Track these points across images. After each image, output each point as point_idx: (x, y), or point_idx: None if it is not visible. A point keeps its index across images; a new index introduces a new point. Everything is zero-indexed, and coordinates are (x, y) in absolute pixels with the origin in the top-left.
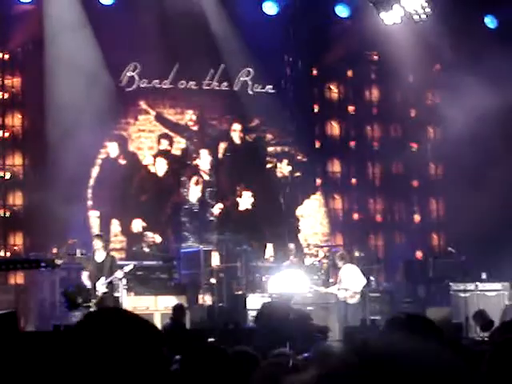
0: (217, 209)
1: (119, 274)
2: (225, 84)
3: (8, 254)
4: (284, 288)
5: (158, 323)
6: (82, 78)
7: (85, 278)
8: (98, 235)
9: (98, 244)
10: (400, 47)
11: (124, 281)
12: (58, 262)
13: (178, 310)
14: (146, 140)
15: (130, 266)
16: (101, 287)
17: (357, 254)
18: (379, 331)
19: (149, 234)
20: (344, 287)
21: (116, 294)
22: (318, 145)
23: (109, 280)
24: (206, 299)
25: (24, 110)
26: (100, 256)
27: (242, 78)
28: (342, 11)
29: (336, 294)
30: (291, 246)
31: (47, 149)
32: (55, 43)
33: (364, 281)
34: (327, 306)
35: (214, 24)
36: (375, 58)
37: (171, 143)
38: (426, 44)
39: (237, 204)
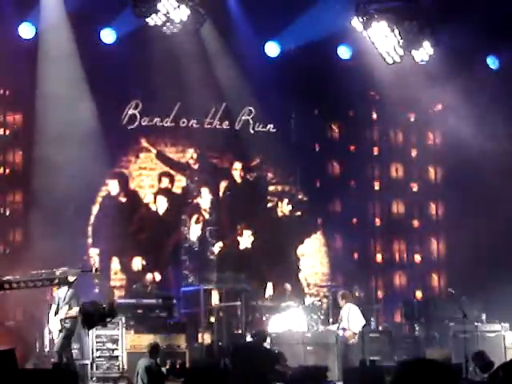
0: (217, 247)
1: (71, 312)
2: (226, 123)
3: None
4: (283, 327)
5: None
6: (83, 115)
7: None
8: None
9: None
10: (401, 87)
11: (123, 319)
12: (71, 279)
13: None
14: (147, 178)
15: (75, 309)
16: (56, 324)
17: (357, 293)
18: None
19: (148, 275)
20: (343, 327)
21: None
22: (318, 184)
23: (61, 317)
24: (205, 338)
25: (24, 147)
26: (61, 292)
27: (243, 117)
28: (344, 52)
29: (336, 332)
30: (287, 285)
31: (47, 186)
32: (52, 79)
33: (363, 321)
34: (327, 346)
35: (216, 63)
36: (377, 97)
37: (172, 181)
38: (427, 84)
39: (237, 243)
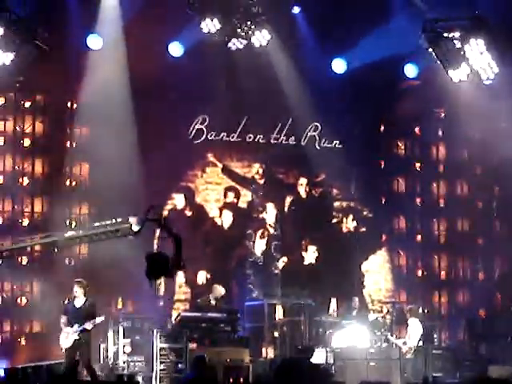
0: (281, 262)
1: (88, 325)
2: (292, 138)
3: None
4: (347, 342)
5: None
6: (151, 129)
7: (61, 322)
8: (78, 281)
9: (78, 291)
10: (467, 105)
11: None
12: (135, 228)
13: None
14: (213, 192)
15: (101, 318)
16: (72, 334)
17: (420, 310)
18: None
19: (218, 287)
20: (405, 341)
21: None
22: (383, 200)
23: (81, 328)
24: (269, 352)
25: (90, 160)
26: (78, 302)
27: (309, 133)
28: (410, 70)
29: (401, 347)
30: (355, 299)
31: (112, 199)
32: (117, 92)
33: (418, 337)
34: (390, 362)
35: (283, 79)
36: (442, 115)
37: (238, 196)
38: (492, 101)
39: (302, 258)
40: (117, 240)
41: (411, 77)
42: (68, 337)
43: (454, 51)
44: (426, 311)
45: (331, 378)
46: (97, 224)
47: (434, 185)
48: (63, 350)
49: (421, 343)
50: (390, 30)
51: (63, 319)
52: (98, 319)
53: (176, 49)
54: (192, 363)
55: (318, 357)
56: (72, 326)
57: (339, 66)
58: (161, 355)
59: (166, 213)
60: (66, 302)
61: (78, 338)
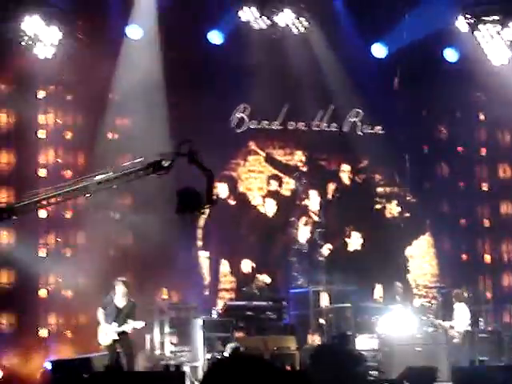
0: (326, 249)
1: (128, 328)
2: (334, 125)
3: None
4: (392, 328)
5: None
6: (191, 119)
7: (99, 314)
8: (123, 281)
9: (121, 289)
10: (508, 88)
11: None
12: (165, 163)
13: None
14: (256, 181)
15: (141, 323)
16: (112, 333)
17: (465, 294)
18: None
19: (260, 277)
20: (451, 325)
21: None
22: (427, 185)
23: (120, 330)
24: (315, 339)
25: (133, 151)
26: (120, 302)
27: (351, 119)
28: (450, 54)
29: (448, 331)
30: (399, 284)
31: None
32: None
33: (465, 321)
34: (436, 346)
35: (324, 65)
36: (483, 98)
37: (280, 184)
38: None
39: (346, 244)
40: (161, 229)
41: (451, 60)
42: (107, 334)
43: (493, 34)
44: (470, 295)
45: (364, 365)
46: (127, 164)
47: (477, 169)
48: (102, 346)
49: (468, 327)
50: (428, 12)
51: (101, 313)
52: (139, 324)
53: (215, 37)
54: (228, 354)
55: (364, 343)
56: (110, 324)
57: (379, 50)
58: (207, 345)
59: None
60: (108, 296)
61: (117, 338)
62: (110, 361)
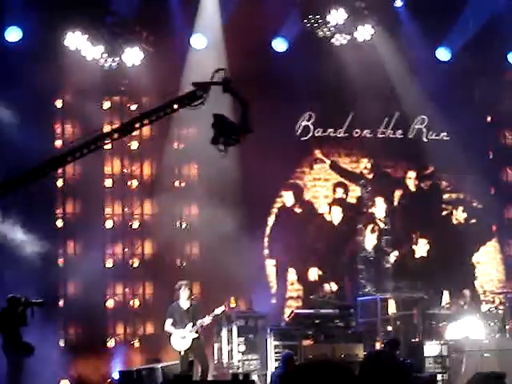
0: (393, 256)
1: (207, 319)
2: (399, 132)
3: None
4: (461, 334)
5: None
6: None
7: (168, 325)
8: (186, 283)
9: (186, 292)
10: None
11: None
12: (199, 93)
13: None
14: (322, 188)
15: (221, 308)
16: (189, 334)
17: None
18: None
19: (326, 286)
20: None
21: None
22: (493, 191)
23: (197, 326)
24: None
25: (199, 160)
26: (186, 304)
27: (416, 126)
28: None
29: None
30: (466, 292)
31: (221, 199)
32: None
33: None
34: (504, 352)
35: (388, 72)
36: None
37: (346, 191)
38: None
39: (413, 251)
40: (228, 238)
41: None
42: (185, 338)
43: None
44: None
45: (413, 374)
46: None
47: None
48: (181, 353)
49: None
50: (491, 15)
51: (170, 322)
52: (218, 310)
53: (280, 44)
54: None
55: (432, 350)
56: (184, 327)
57: (443, 54)
58: (275, 353)
59: (275, 210)
60: (173, 304)
61: (196, 336)
62: (182, 369)
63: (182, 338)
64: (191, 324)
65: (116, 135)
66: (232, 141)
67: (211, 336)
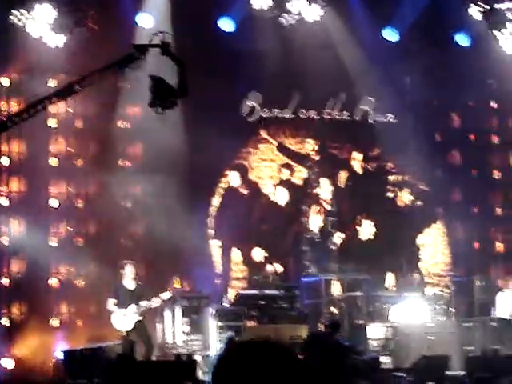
0: (338, 238)
1: (155, 302)
2: (345, 113)
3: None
4: (405, 317)
5: None
6: (203, 108)
7: (111, 303)
8: (131, 262)
9: (131, 271)
10: None
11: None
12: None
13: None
14: (267, 169)
15: (167, 294)
16: (132, 314)
17: (478, 283)
18: None
19: (270, 267)
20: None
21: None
22: (439, 173)
23: (143, 309)
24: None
25: (145, 138)
26: (131, 284)
27: (362, 107)
28: (462, 39)
29: None
30: (416, 275)
31: (168, 177)
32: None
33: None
34: (448, 335)
35: (335, 54)
36: (495, 86)
37: (292, 172)
38: None
39: (357, 233)
40: (172, 218)
41: (463, 47)
42: (127, 318)
43: (505, 22)
44: (479, 284)
45: (353, 355)
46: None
47: (489, 156)
48: (123, 333)
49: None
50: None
51: (113, 301)
52: (165, 295)
53: (227, 24)
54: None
55: (376, 332)
56: (126, 308)
57: (390, 36)
58: (219, 333)
59: (220, 191)
60: (116, 283)
61: (140, 318)
62: (124, 350)
63: (123, 318)
64: (134, 305)
65: (55, 99)
66: (169, 103)
67: (154, 317)
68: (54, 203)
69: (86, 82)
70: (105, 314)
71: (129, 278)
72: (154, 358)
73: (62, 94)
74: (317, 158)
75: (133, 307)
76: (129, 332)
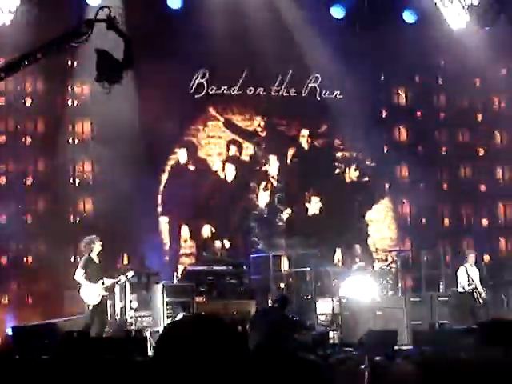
0: (286, 214)
1: (123, 278)
2: (293, 90)
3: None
4: (353, 292)
5: None
6: (151, 85)
7: (80, 275)
8: (97, 238)
9: (98, 248)
10: (466, 52)
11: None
12: (85, 29)
13: None
14: (215, 146)
15: (131, 272)
16: (101, 290)
17: (424, 258)
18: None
19: (218, 243)
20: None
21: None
22: (386, 150)
23: (109, 284)
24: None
25: (91, 118)
26: (97, 260)
27: (310, 84)
28: (409, 16)
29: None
30: (358, 250)
31: (118, 153)
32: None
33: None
34: (396, 310)
35: (282, 31)
36: (442, 62)
37: (240, 149)
38: (492, 49)
39: (305, 209)
40: (121, 195)
41: (410, 23)
42: (96, 293)
43: None
44: (426, 259)
45: (301, 329)
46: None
47: (436, 133)
48: (89, 307)
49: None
50: None
51: (82, 272)
52: (131, 274)
53: (174, 1)
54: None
55: (324, 307)
56: (97, 282)
57: (338, 13)
58: (168, 309)
59: (169, 168)
60: (87, 256)
61: (106, 294)
62: (86, 326)
63: (93, 292)
64: (101, 280)
65: (2, 74)
66: (115, 77)
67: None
68: (1, 181)
69: (33, 56)
70: (55, 291)
71: (96, 252)
72: (104, 335)
73: (7, 68)
74: (264, 134)
75: (101, 282)
76: (95, 306)
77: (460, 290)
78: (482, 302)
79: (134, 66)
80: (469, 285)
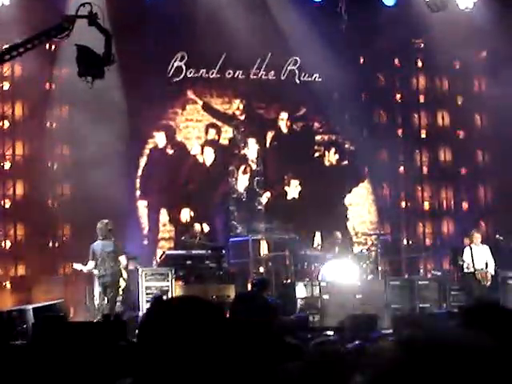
0: (265, 198)
1: (123, 259)
2: (272, 73)
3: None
4: (333, 276)
5: None
6: (130, 68)
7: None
8: (107, 222)
9: (108, 232)
10: (446, 34)
11: (173, 270)
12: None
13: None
14: (194, 130)
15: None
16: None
17: (405, 241)
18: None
19: (197, 226)
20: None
21: None
22: (365, 133)
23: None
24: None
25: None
26: (109, 245)
27: (289, 67)
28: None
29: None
30: (338, 234)
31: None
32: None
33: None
34: (376, 294)
35: (261, 13)
36: (421, 45)
37: (219, 133)
38: (471, 31)
39: (285, 193)
40: (99, 179)
41: (389, 6)
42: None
43: None
44: (410, 242)
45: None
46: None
47: (415, 116)
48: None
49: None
50: None
51: (92, 264)
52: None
53: None
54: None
55: (303, 291)
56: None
57: None
58: (146, 294)
59: (147, 151)
60: (94, 244)
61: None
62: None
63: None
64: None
65: None
66: (97, 72)
67: (83, 277)
68: None
69: (15, 51)
70: (32, 276)
71: (107, 238)
72: (81, 319)
73: None
74: (242, 117)
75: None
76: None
77: (465, 270)
78: (488, 282)
79: (114, 61)
80: (467, 267)
